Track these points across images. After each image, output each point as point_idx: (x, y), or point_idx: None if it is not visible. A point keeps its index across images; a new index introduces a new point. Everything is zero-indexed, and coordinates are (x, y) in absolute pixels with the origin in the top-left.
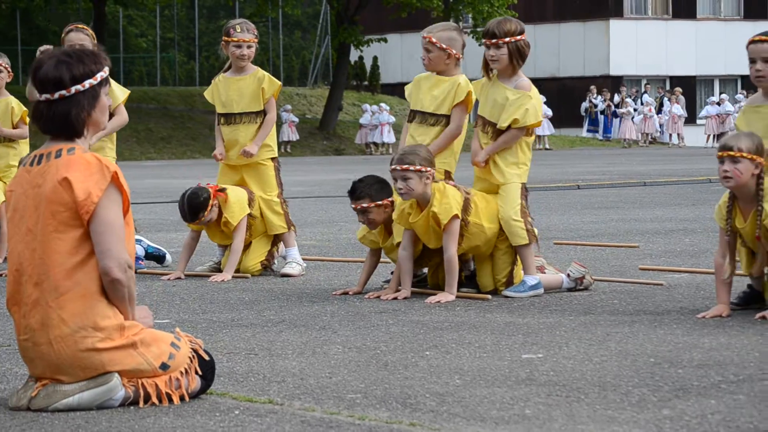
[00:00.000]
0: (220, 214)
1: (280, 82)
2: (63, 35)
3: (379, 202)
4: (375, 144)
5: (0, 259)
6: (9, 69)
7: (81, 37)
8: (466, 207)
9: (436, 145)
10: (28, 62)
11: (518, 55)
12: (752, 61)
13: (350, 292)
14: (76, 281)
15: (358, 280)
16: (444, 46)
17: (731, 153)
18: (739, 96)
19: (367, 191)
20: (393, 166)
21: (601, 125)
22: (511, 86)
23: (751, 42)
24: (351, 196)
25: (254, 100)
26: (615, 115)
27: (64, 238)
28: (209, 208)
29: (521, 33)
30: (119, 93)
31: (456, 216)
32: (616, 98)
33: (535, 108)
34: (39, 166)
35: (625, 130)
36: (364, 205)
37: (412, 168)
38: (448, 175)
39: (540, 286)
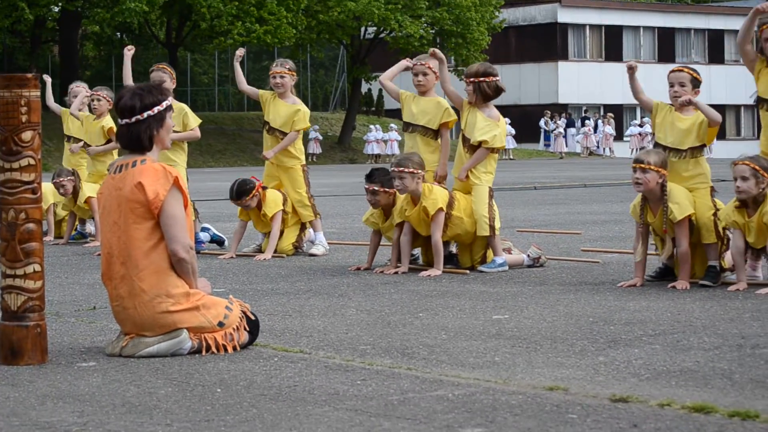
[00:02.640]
0: (260, 206)
1: (308, 124)
2: (150, 72)
3: (386, 189)
4: (378, 155)
5: (97, 242)
6: (109, 99)
7: (161, 75)
8: (450, 203)
9: (443, 156)
10: None
11: (480, 92)
12: (671, 85)
13: (362, 268)
14: (152, 260)
15: (367, 259)
16: (435, 69)
17: (642, 165)
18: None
19: (379, 178)
20: (392, 168)
21: (553, 141)
22: (485, 115)
23: (671, 72)
24: (367, 179)
25: (286, 125)
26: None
27: (141, 228)
28: (251, 196)
29: (486, 75)
30: (193, 120)
31: (441, 209)
32: (566, 120)
33: (501, 134)
34: (120, 174)
35: (572, 144)
36: (375, 188)
37: (406, 170)
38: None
39: (506, 264)
